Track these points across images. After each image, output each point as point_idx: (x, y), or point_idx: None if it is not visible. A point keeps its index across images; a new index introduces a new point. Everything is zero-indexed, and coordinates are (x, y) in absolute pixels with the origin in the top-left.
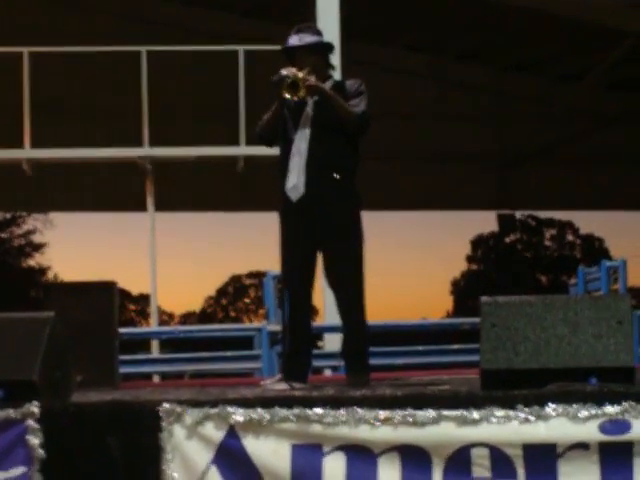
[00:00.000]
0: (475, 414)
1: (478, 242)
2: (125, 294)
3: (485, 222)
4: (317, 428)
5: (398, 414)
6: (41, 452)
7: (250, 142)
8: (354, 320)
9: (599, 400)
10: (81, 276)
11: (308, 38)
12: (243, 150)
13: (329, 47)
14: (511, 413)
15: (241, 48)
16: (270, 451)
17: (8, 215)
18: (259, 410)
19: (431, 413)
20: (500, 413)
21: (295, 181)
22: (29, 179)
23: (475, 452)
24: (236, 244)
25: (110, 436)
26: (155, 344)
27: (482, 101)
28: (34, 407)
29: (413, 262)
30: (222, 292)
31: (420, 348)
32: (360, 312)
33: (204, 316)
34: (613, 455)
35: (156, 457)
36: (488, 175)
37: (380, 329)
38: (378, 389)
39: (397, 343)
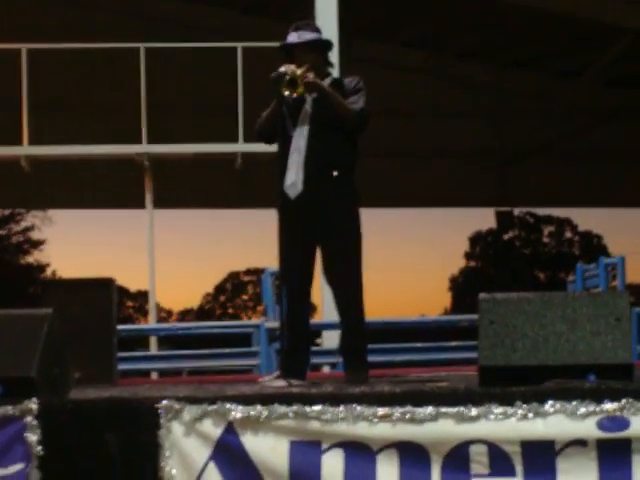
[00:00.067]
0: (473, 411)
1: (476, 239)
2: (123, 291)
3: (483, 219)
4: (315, 425)
5: (397, 411)
6: (39, 449)
7: (248, 139)
8: (352, 317)
9: (597, 397)
10: (79, 273)
11: (307, 35)
12: (241, 147)
13: (328, 44)
14: (509, 410)
15: (240, 45)
16: (268, 448)
17: (6, 212)
18: (257, 407)
19: (429, 410)
20: (498, 410)
21: (294, 178)
22: (27, 176)
23: (473, 449)
24: (234, 241)
25: (108, 433)
26: (153, 341)
27: (481, 98)
28: (32, 404)
29: (411, 259)
30: (220, 289)
31: (418, 345)
32: (358, 309)
33: (202, 313)
34: (611, 452)
35: (154, 454)
36: (487, 172)
37: (378, 326)
38: (376, 386)
39: (395, 340)
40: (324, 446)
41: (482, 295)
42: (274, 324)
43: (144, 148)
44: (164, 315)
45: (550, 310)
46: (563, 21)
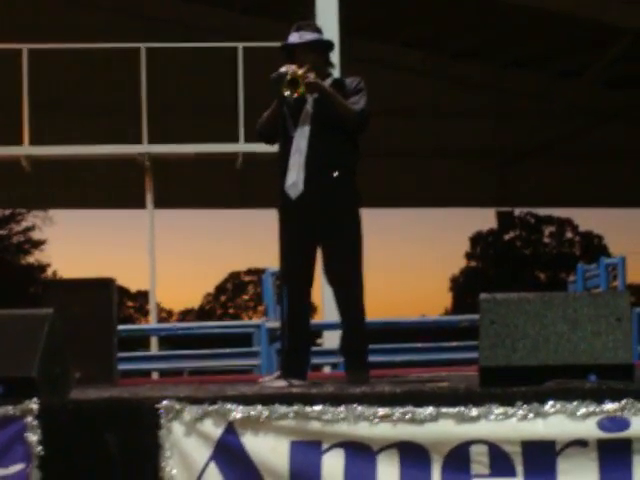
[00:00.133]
0: (474, 411)
1: (477, 239)
2: (124, 291)
3: (484, 219)
4: (316, 425)
5: (397, 411)
6: (40, 449)
7: (249, 139)
8: (353, 317)
9: (598, 397)
10: (80, 273)
11: (308, 36)
12: (242, 147)
13: (329, 45)
14: (510, 410)
15: (240, 45)
16: (269, 448)
17: (7, 212)
18: (258, 407)
19: (430, 410)
20: (499, 410)
21: (295, 178)
22: (28, 176)
23: (474, 449)
24: (235, 241)
25: (109, 433)
26: (154, 341)
27: (481, 98)
28: (33, 404)
29: (412, 259)
30: (221, 289)
31: (419, 345)
32: (359, 309)
33: (203, 313)
34: (612, 452)
35: (155, 454)
36: (487, 172)
37: (379, 326)
38: (377, 386)
39: (396, 340)
40: (324, 446)
41: (483, 295)
42: (275, 324)
43: (145, 148)
44: (165, 315)
45: (551, 310)
46: (563, 21)
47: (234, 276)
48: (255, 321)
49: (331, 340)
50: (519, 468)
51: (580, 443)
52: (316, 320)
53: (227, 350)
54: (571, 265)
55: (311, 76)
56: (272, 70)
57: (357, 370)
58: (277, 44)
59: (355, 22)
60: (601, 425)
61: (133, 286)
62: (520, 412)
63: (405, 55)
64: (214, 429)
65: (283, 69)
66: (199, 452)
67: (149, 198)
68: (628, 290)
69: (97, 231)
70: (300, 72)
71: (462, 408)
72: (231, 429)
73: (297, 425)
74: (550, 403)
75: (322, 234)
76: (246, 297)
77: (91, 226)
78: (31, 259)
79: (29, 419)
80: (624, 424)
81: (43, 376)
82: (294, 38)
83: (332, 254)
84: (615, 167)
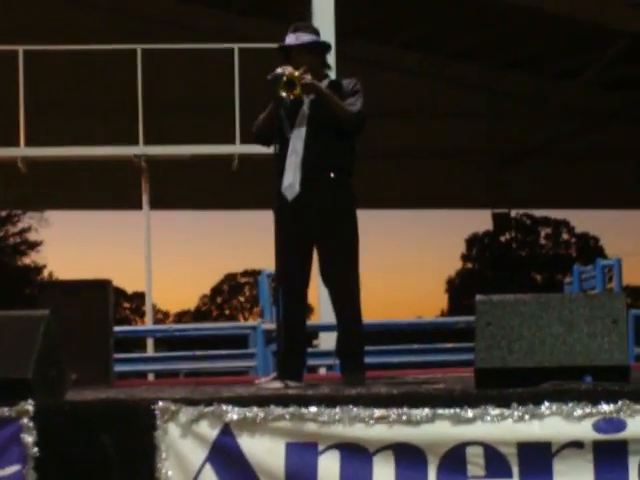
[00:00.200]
0: (470, 413)
1: (473, 241)
2: (120, 292)
3: (480, 221)
4: (312, 426)
5: (393, 412)
6: (35, 450)
7: (245, 140)
8: (349, 318)
9: (594, 399)
10: (76, 274)
11: (305, 37)
12: (238, 148)
13: (326, 46)
14: (506, 411)
15: (236, 46)
16: (265, 449)
17: (3, 213)
18: (254, 408)
19: (426, 411)
20: (495, 412)
21: (291, 180)
22: (24, 177)
23: (470, 450)
24: (231, 242)
25: (104, 434)
26: (150, 342)
27: (478, 99)
28: (29, 405)
29: (408, 260)
30: (217, 290)
31: (415, 347)
32: (355, 310)
33: (199, 314)
34: (607, 454)
35: (151, 455)
36: (484, 173)
37: (375, 327)
38: (373, 387)
39: (392, 342)
40: (320, 448)
41: (479, 297)
42: (271, 326)
43: (141, 149)
44: (161, 317)
45: (547, 312)
46: (560, 22)
47: (230, 277)
48: (251, 322)
49: (327, 341)
50: (515, 469)
51: (576, 444)
52: (312, 321)
53: (223, 351)
54: (567, 267)
55: (308, 77)
56: (268, 72)
57: (353, 371)
58: (274, 45)
59: (353, 23)
60: (597, 426)
61: (129, 287)
62: (516, 413)
63: (403, 56)
64: (210, 430)
65: (279, 70)
66: (195, 453)
67: (145, 199)
68: (624, 292)
69: (93, 232)
70: (297, 73)
71: (458, 409)
72: (227, 430)
73: (293, 426)
74: (546, 404)
75: (318, 235)
76: (242, 298)
77: (87, 227)
78: (27, 260)
79: (25, 420)
80: (620, 425)
81: (39, 377)
82: (291, 39)
83: (328, 255)
84: (612, 168)
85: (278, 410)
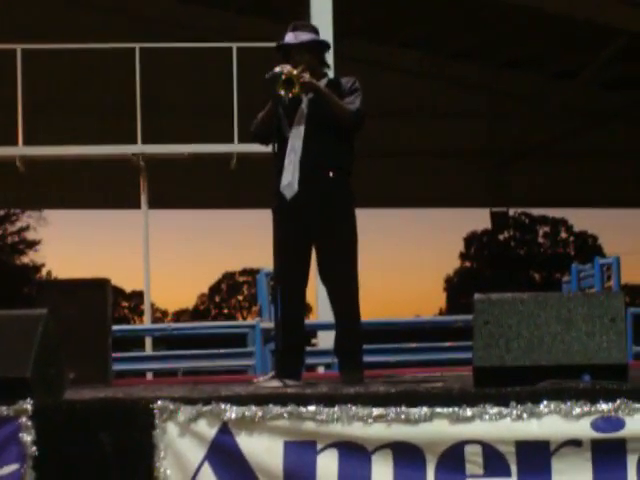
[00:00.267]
0: (468, 411)
1: (471, 239)
2: (118, 291)
3: (478, 219)
4: (310, 425)
5: (391, 411)
6: (34, 449)
7: (243, 139)
8: (348, 317)
9: (592, 397)
10: (75, 273)
11: (304, 36)
12: (236, 147)
13: (325, 45)
14: (504, 410)
15: (234, 45)
16: (263, 448)
17: (1, 212)
18: (252, 407)
19: (424, 410)
20: (493, 410)
21: (290, 179)
22: (22, 176)
23: (468, 449)
24: (229, 241)
25: (103, 433)
26: (148, 341)
27: (477, 99)
28: (27, 404)
29: (406, 259)
30: (215, 289)
31: (413, 345)
32: (354, 309)
33: (197, 313)
34: (606, 452)
35: (149, 454)
36: (482, 172)
37: (374, 326)
38: (371, 386)
39: (390, 340)
40: (319, 446)
41: (477, 295)
42: (269, 324)
43: (139, 148)
44: (159, 315)
45: (545, 310)
46: (558, 22)
47: (228, 276)
48: (249, 321)
49: (325, 340)
50: (513, 468)
51: (574, 443)
52: (310, 320)
53: (221, 350)
54: (565, 265)
55: (306, 76)
56: (267, 70)
57: (351, 370)
58: (272, 44)
59: (353, 23)
60: (595, 425)
61: (128, 286)
62: (514, 412)
63: (402, 56)
64: (208, 429)
65: (277, 69)
66: (193, 452)
67: (143, 198)
68: (622, 290)
69: (91, 231)
70: (295, 72)
71: (456, 408)
72: (225, 429)
73: (291, 425)
74: (544, 403)
75: (317, 234)
76: (240, 297)
77: (85, 226)
78: (25, 259)
79: (23, 419)
80: (618, 424)
81: (37, 376)
82: (290, 38)
83: (327, 254)
84: (611, 167)
85: (276, 409)
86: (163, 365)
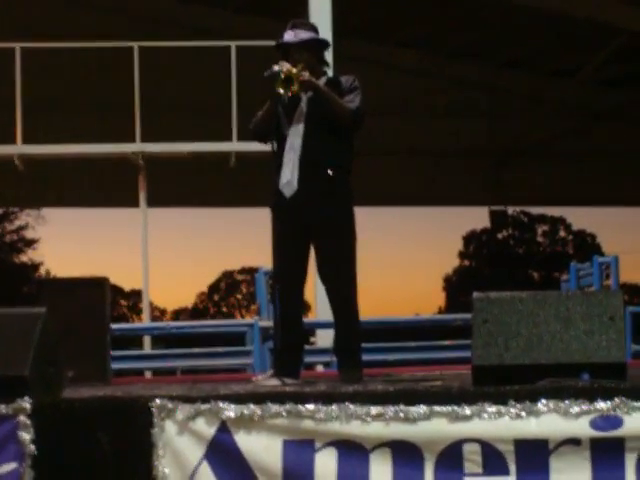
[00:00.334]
0: (467, 410)
1: (470, 238)
2: (117, 290)
3: (478, 218)
4: (309, 424)
5: (390, 410)
6: (32, 448)
7: (242, 138)
8: (346, 316)
9: (591, 396)
10: (73, 272)
11: (303, 34)
12: (235, 146)
13: (324, 44)
14: (503, 409)
15: (233, 44)
16: (262, 447)
17: (0, 211)
18: (251, 406)
19: (423, 409)
20: (492, 409)
21: (289, 177)
22: (21, 175)
23: (467, 448)
24: (228, 240)
25: (101, 432)
26: (147, 340)
27: (476, 98)
28: (26, 403)
29: (405, 258)
30: (214, 288)
31: (412, 344)
32: (352, 308)
33: (196, 312)
34: (604, 451)
35: (147, 453)
36: (482, 171)
37: (372, 325)
38: (370, 385)
39: (389, 339)
40: (317, 445)
41: (476, 294)
42: (268, 323)
43: (138, 147)
44: (158, 314)
45: (544, 309)
46: (557, 21)
47: (227, 275)
48: (248, 320)
49: (324, 339)
50: (512, 467)
51: (573, 442)
52: (309, 318)
53: (220, 349)
54: (564, 264)
55: (305, 74)
56: (266, 69)
57: (350, 369)
58: (271, 43)
59: (352, 22)
60: (594, 424)
61: (126, 285)
62: (513, 411)
63: (402, 55)
64: (207, 428)
65: (276, 67)
66: (192, 451)
67: (142, 197)
68: (621, 289)
69: (90, 230)
70: (294, 70)
71: (455, 407)
72: (224, 428)
73: (290, 424)
74: (543, 402)
75: (316, 232)
76: (239, 296)
77: (84, 225)
78: (24, 258)
79: (22, 418)
80: (617, 423)
81: (36, 375)
82: (289, 36)
83: (326, 252)
84: (609, 166)
85: (275, 407)
86: (162, 364)
